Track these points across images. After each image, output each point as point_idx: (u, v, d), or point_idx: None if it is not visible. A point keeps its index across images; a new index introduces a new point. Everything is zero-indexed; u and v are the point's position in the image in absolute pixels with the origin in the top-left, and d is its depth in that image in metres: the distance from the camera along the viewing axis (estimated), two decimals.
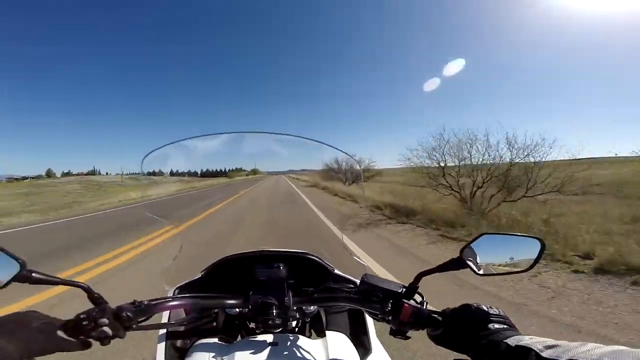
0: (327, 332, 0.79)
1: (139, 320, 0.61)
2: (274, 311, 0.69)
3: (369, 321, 0.85)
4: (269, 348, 0.68)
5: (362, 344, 0.81)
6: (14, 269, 0.56)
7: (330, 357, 0.68)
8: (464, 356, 0.50)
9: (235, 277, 0.88)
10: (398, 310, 0.59)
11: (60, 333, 0.55)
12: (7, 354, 0.47)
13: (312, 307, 0.83)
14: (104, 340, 0.57)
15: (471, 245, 0.61)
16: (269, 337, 0.72)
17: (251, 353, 0.66)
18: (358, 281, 0.90)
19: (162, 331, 0.79)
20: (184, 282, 0.90)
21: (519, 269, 0.62)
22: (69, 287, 0.60)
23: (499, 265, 0.62)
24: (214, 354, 0.68)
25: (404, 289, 0.62)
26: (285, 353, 0.68)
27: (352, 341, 0.79)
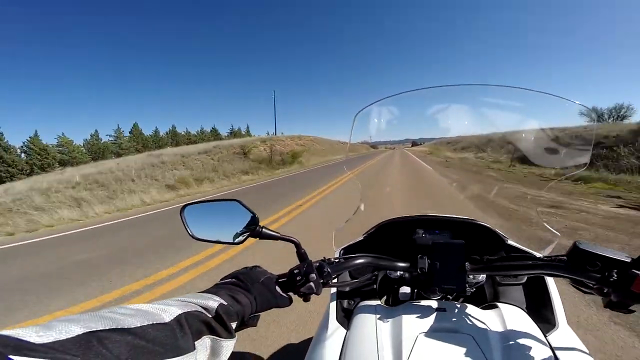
0: (500, 304, 0.75)
1: (333, 276, 0.63)
2: (447, 276, 0.67)
3: (555, 295, 0.77)
4: (435, 313, 0.68)
5: (543, 319, 0.74)
6: (250, 223, 0.62)
7: (508, 328, 0.63)
8: None
9: (395, 241, 0.88)
10: (628, 282, 0.52)
11: (277, 288, 0.55)
12: (249, 309, 0.49)
13: (480, 277, 0.79)
14: (308, 296, 0.57)
15: None
16: (434, 303, 0.71)
17: (417, 317, 0.66)
18: (537, 254, 0.81)
19: (333, 290, 0.84)
20: (347, 244, 0.95)
21: None
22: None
23: None
24: (379, 315, 0.70)
25: (632, 260, 0.54)
26: (454, 319, 0.66)
27: (529, 315, 0.72)
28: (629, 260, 0.54)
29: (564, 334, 0.68)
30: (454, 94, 0.91)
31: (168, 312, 0.37)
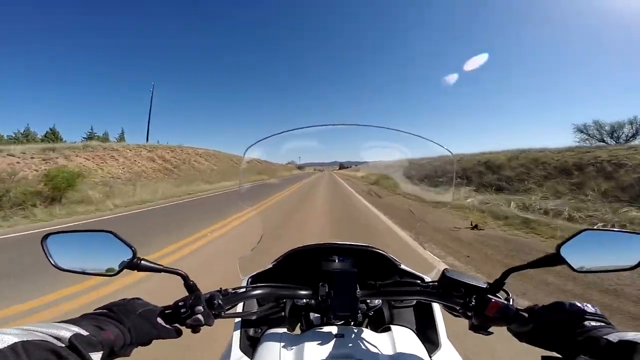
0: (393, 327, 0.80)
1: (227, 308, 0.63)
2: (342, 303, 0.70)
3: (438, 317, 0.85)
4: (335, 340, 0.70)
5: (429, 340, 0.81)
6: (127, 255, 0.59)
7: (398, 351, 0.68)
8: (553, 353, 0.50)
9: (303, 269, 0.90)
10: (483, 306, 0.59)
11: (159, 320, 0.56)
12: (120, 340, 0.49)
13: (376, 301, 0.84)
14: (196, 327, 0.58)
15: (570, 241, 0.58)
16: (334, 329, 0.74)
17: (318, 344, 0.68)
18: (425, 277, 0.91)
19: (237, 319, 0.82)
20: (256, 272, 0.94)
21: (622, 267, 0.58)
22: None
23: (600, 263, 0.60)
24: (284, 343, 0.71)
25: (489, 285, 0.62)
26: (350, 345, 0.69)
27: (418, 336, 0.79)
28: (485, 286, 0.62)
29: (446, 353, 0.76)
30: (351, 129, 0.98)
31: (1, 340, 0.36)
